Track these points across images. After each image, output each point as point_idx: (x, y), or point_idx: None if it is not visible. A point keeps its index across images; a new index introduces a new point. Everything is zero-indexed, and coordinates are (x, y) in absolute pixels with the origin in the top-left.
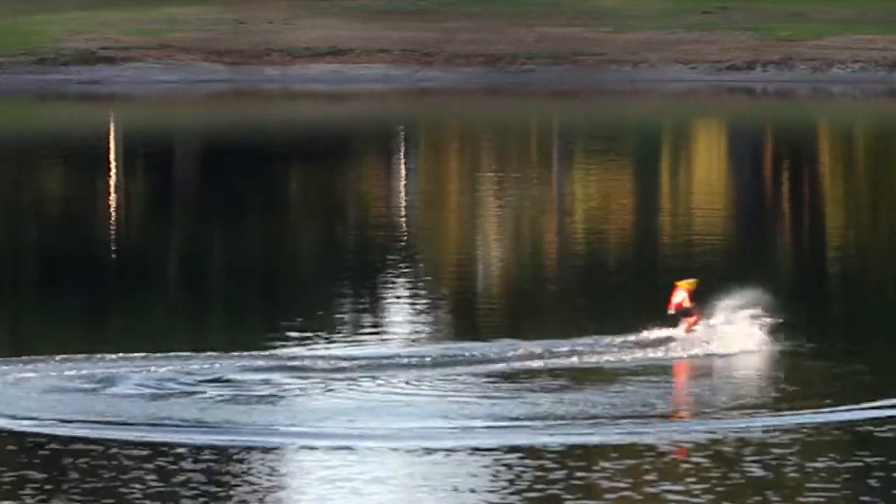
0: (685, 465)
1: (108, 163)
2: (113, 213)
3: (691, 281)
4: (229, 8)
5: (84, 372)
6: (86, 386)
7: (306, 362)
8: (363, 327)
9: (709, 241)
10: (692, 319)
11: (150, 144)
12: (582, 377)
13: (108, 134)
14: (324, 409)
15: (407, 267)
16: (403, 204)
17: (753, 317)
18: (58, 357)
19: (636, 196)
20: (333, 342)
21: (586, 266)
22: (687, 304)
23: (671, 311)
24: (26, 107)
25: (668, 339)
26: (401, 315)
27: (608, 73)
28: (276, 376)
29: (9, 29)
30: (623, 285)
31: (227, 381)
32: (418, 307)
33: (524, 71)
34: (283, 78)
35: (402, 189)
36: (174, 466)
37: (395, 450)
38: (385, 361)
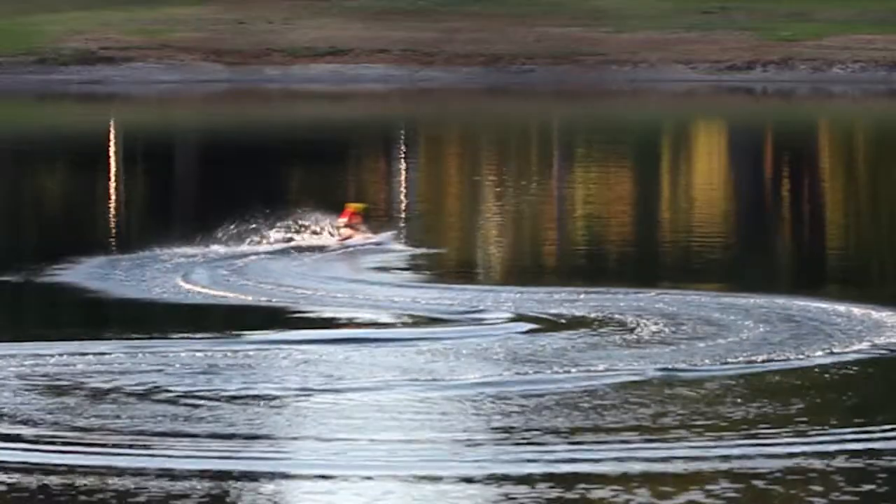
0: None
1: (108, 163)
2: (112, 213)
3: (360, 205)
4: (229, 8)
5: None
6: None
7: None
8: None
9: (707, 241)
10: (350, 233)
11: (150, 144)
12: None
13: (108, 134)
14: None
15: (405, 267)
16: (403, 204)
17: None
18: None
19: (636, 196)
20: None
21: (586, 267)
22: (352, 222)
23: (339, 224)
24: (26, 107)
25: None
26: (395, 319)
27: (608, 73)
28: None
29: (9, 29)
30: (622, 279)
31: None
32: (415, 309)
33: (524, 71)
34: (283, 78)
35: (402, 189)
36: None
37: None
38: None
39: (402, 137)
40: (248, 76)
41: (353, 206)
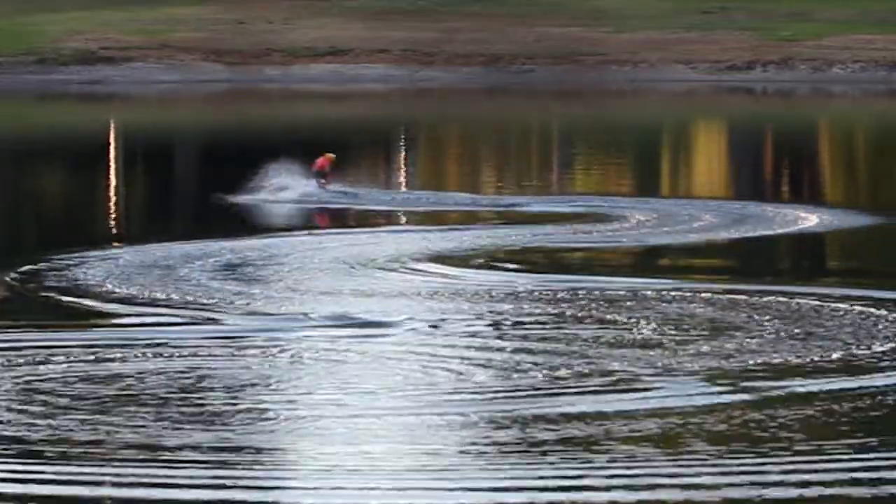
0: None
1: (108, 163)
2: (112, 213)
3: (332, 155)
4: (229, 8)
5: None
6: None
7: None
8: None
9: (707, 239)
10: (324, 181)
11: (150, 144)
12: None
13: (108, 134)
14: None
15: (405, 266)
16: (402, 204)
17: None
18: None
19: (637, 195)
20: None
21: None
22: (326, 169)
23: (314, 170)
24: (26, 107)
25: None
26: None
27: (608, 73)
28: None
29: (9, 29)
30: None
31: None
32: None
33: (524, 71)
34: (283, 78)
35: (402, 189)
36: None
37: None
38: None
39: (402, 138)
40: (248, 76)
41: (328, 156)
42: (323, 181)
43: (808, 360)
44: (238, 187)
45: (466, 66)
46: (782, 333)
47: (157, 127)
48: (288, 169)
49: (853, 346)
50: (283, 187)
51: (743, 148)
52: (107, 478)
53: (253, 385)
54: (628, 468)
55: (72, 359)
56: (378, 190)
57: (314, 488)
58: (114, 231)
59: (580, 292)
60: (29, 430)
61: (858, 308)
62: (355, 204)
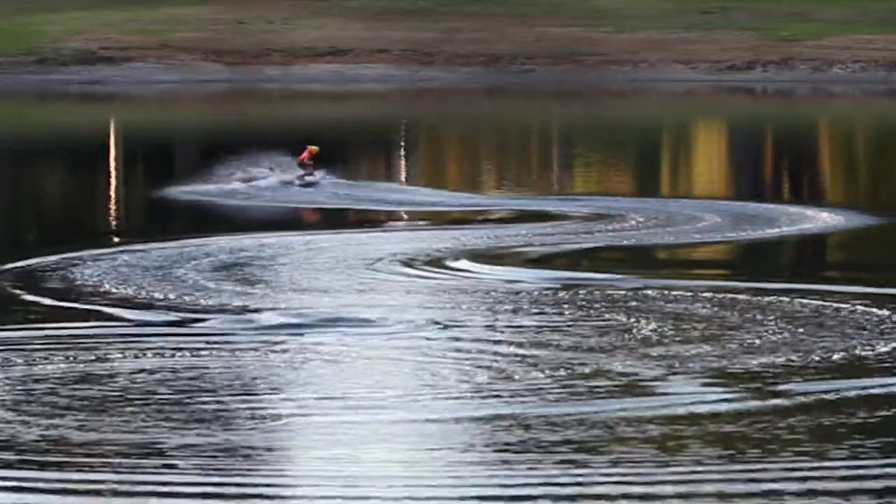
0: None
1: (108, 163)
2: (111, 213)
3: (316, 148)
4: (229, 8)
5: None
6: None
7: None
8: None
9: (707, 240)
10: (306, 171)
11: (150, 144)
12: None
13: (108, 134)
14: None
15: (402, 265)
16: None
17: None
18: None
19: (637, 196)
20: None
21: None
22: (307, 161)
23: (297, 162)
24: (26, 107)
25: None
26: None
27: (608, 73)
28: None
29: (9, 29)
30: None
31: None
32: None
33: (524, 71)
34: (283, 78)
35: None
36: None
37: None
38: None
39: (402, 138)
40: (248, 76)
41: (312, 148)
42: (303, 172)
43: (809, 360)
44: (193, 180)
45: (466, 66)
46: (784, 333)
47: (157, 127)
48: (252, 162)
49: (856, 347)
50: (243, 180)
51: (743, 148)
52: (105, 485)
53: (253, 386)
54: (629, 470)
55: (70, 359)
56: (347, 182)
57: (316, 497)
58: (113, 231)
59: (581, 292)
60: (26, 433)
61: (861, 308)
62: (319, 200)
